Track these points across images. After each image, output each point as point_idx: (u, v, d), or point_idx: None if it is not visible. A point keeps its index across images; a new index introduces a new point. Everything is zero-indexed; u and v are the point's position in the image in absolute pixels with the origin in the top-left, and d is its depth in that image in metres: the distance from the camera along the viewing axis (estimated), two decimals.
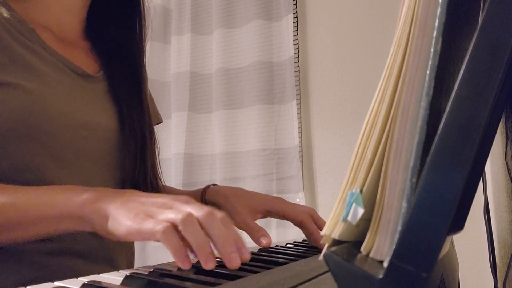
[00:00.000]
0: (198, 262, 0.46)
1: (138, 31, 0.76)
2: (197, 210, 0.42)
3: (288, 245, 0.67)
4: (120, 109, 0.70)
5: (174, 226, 0.40)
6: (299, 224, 0.66)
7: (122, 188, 0.69)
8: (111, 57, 0.73)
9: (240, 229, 0.63)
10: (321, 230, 0.63)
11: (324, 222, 0.64)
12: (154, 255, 1.67)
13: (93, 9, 0.73)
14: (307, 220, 0.65)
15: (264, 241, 0.58)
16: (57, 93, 0.61)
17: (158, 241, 0.40)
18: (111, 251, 0.66)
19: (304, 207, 0.68)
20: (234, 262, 0.39)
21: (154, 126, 0.79)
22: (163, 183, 0.77)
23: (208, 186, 0.73)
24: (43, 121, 0.57)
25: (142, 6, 0.76)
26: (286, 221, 0.69)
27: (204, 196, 0.72)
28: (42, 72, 0.60)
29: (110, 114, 0.69)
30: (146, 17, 0.76)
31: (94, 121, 0.65)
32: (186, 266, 0.38)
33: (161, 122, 0.86)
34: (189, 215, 0.40)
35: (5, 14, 0.60)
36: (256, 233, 0.60)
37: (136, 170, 0.69)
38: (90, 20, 0.74)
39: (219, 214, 0.43)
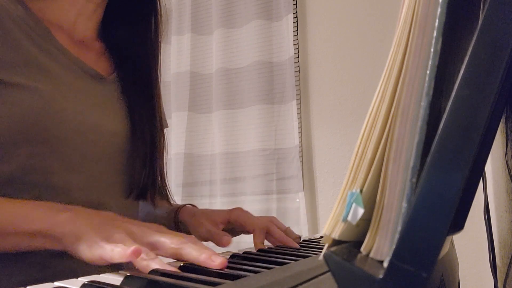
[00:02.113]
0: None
1: (154, 30, 0.75)
2: (170, 238, 0.44)
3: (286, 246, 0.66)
4: (132, 112, 0.70)
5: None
6: (250, 233, 0.68)
7: (130, 193, 0.69)
8: (125, 58, 0.73)
9: (205, 239, 0.66)
10: (279, 242, 0.64)
11: (282, 234, 0.66)
12: None
13: (109, 9, 0.72)
14: (258, 231, 0.66)
15: (223, 240, 0.61)
16: (69, 95, 0.61)
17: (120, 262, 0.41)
18: None
19: (262, 218, 0.70)
20: (219, 263, 0.41)
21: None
22: (171, 200, 0.79)
23: (184, 205, 0.77)
24: (53, 124, 0.57)
25: (158, 3, 0.75)
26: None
27: (177, 214, 0.75)
28: (54, 73, 0.60)
29: (120, 117, 0.69)
30: (162, 14, 0.76)
31: (104, 124, 0.65)
32: (131, 257, 0.39)
33: (166, 128, 0.87)
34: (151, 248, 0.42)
35: (21, 13, 0.60)
36: (217, 236, 0.62)
37: (145, 174, 0.69)
38: (106, 20, 0.74)
39: (188, 242, 0.45)
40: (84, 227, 0.46)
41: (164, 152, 0.76)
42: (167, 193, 0.76)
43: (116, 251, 0.41)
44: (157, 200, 0.78)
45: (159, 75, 0.76)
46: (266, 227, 0.67)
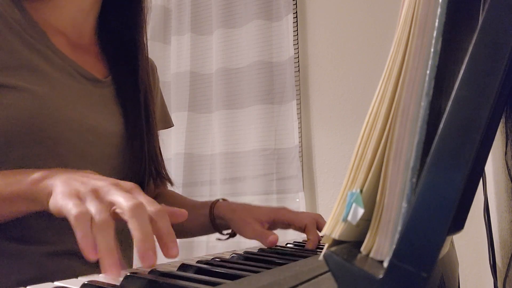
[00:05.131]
0: (198, 262, 0.46)
1: (141, 22, 0.76)
2: (128, 200, 0.40)
3: (288, 245, 0.67)
4: (127, 113, 0.70)
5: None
6: (303, 229, 0.67)
7: None
8: (119, 59, 0.73)
9: (251, 238, 0.64)
10: None
11: None
12: None
13: (104, 8, 0.73)
14: (310, 225, 0.66)
15: (270, 239, 0.60)
16: (65, 97, 0.61)
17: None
18: None
19: (309, 213, 0.70)
20: (147, 261, 0.38)
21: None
22: (172, 183, 0.79)
23: (217, 201, 0.74)
24: (49, 125, 0.57)
25: None
26: None
27: (212, 210, 0.73)
28: (50, 76, 0.60)
29: (116, 118, 0.69)
30: (148, 7, 0.77)
31: (100, 126, 0.65)
32: (90, 255, 0.37)
33: (172, 126, 0.89)
34: (104, 219, 0.39)
35: (17, 16, 0.60)
36: (264, 236, 0.61)
37: (141, 173, 0.70)
38: (102, 20, 0.74)
39: (151, 208, 0.41)
40: (55, 182, 0.45)
41: (159, 144, 0.77)
42: (167, 177, 0.77)
43: (71, 215, 0.39)
44: (161, 186, 0.80)
45: (145, 64, 0.76)
46: (315, 221, 0.67)
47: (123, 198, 0.41)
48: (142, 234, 0.38)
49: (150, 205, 0.41)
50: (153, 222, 0.40)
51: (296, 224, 0.68)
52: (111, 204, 0.41)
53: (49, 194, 0.45)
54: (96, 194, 0.42)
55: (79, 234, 0.38)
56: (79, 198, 0.42)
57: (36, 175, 0.48)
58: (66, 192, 0.43)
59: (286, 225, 0.68)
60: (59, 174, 0.47)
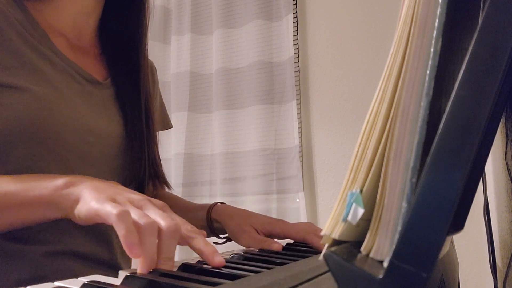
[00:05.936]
0: (198, 262, 0.46)
1: (142, 25, 0.75)
2: (167, 221, 0.41)
3: (288, 245, 0.67)
4: (126, 115, 0.70)
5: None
6: (302, 241, 0.67)
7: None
8: (119, 61, 0.73)
9: (248, 245, 0.64)
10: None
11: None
12: None
13: (107, 8, 0.72)
14: (309, 236, 0.65)
15: (275, 246, 0.60)
16: (65, 98, 0.61)
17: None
18: (111, 254, 0.66)
19: (303, 224, 0.69)
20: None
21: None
22: (170, 187, 0.79)
23: (216, 204, 0.74)
24: (49, 126, 0.57)
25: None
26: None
27: (210, 213, 0.73)
28: (50, 76, 0.60)
29: (116, 120, 0.69)
30: (149, 9, 0.76)
31: (100, 127, 0.65)
32: (133, 253, 0.37)
33: (171, 128, 0.89)
34: (151, 222, 0.40)
35: (19, 16, 0.60)
36: (265, 243, 0.61)
37: (140, 175, 0.70)
38: (103, 22, 0.74)
39: (187, 226, 0.44)
40: (84, 189, 0.45)
41: (158, 144, 0.78)
42: (165, 179, 0.77)
43: (112, 214, 0.38)
44: (159, 188, 0.80)
45: (145, 71, 0.76)
46: (312, 233, 0.66)
47: (161, 217, 0.42)
48: (169, 260, 0.41)
49: (184, 224, 0.44)
50: (190, 239, 0.44)
51: (293, 237, 0.67)
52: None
53: (76, 201, 0.45)
54: (133, 204, 0.42)
55: (122, 230, 0.38)
56: (117, 203, 0.42)
57: (60, 181, 0.47)
58: (102, 197, 0.42)
59: (282, 237, 0.68)
60: (85, 181, 0.47)
